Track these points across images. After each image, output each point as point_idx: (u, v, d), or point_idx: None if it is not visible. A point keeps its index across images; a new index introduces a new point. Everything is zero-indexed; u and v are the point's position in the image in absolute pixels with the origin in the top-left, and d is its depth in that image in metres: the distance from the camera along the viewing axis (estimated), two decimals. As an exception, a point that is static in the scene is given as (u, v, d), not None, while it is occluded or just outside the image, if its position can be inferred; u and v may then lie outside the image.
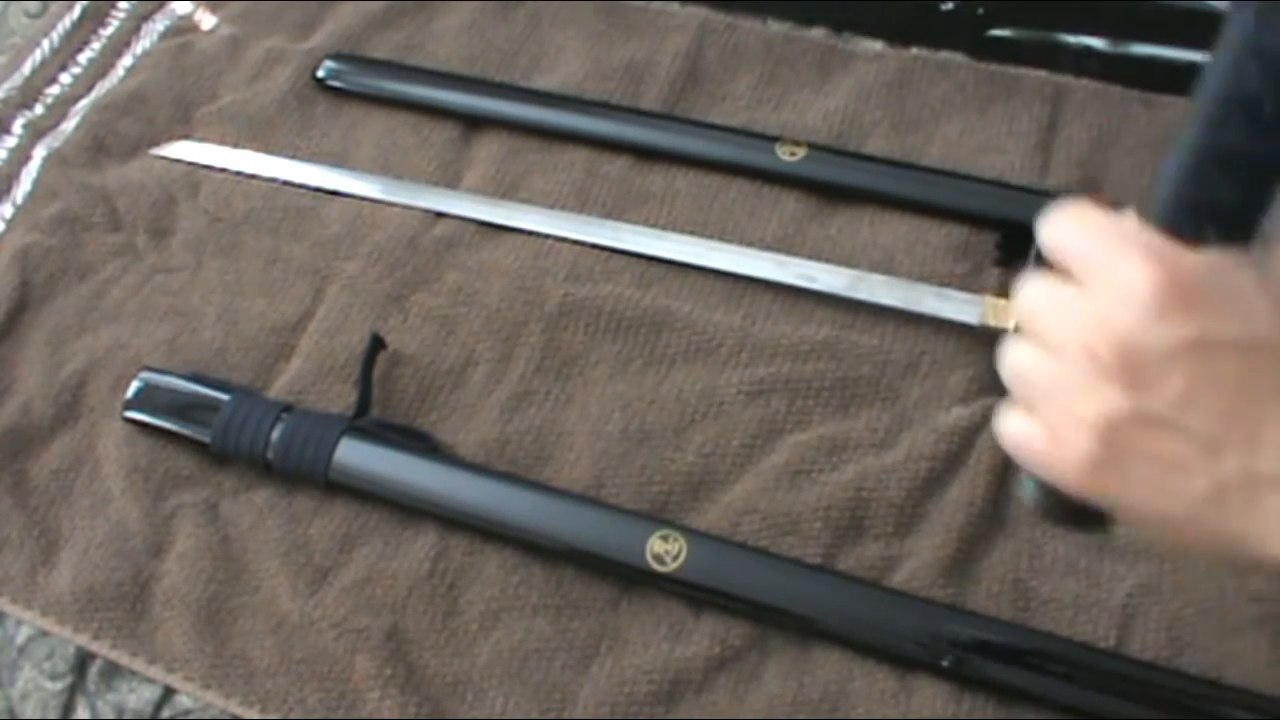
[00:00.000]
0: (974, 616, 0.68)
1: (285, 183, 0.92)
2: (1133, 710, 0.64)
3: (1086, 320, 0.42)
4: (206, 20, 1.04)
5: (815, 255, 0.83)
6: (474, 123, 0.94)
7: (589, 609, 0.71)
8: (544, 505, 0.72)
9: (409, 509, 0.74)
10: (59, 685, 0.74)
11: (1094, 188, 0.85)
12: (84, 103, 0.99)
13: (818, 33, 0.98)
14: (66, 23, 1.03)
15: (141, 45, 1.03)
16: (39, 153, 0.95)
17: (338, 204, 0.90)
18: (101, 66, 1.02)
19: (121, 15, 1.05)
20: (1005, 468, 0.73)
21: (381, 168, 0.92)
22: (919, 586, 0.69)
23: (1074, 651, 0.66)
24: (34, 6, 1.08)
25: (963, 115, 0.90)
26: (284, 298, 0.85)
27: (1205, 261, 0.41)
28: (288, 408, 0.77)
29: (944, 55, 0.94)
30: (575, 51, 0.98)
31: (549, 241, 0.86)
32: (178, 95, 0.98)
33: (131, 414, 0.79)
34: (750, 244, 0.85)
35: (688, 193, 0.88)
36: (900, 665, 0.67)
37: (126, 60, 1.02)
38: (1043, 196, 0.83)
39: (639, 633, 0.70)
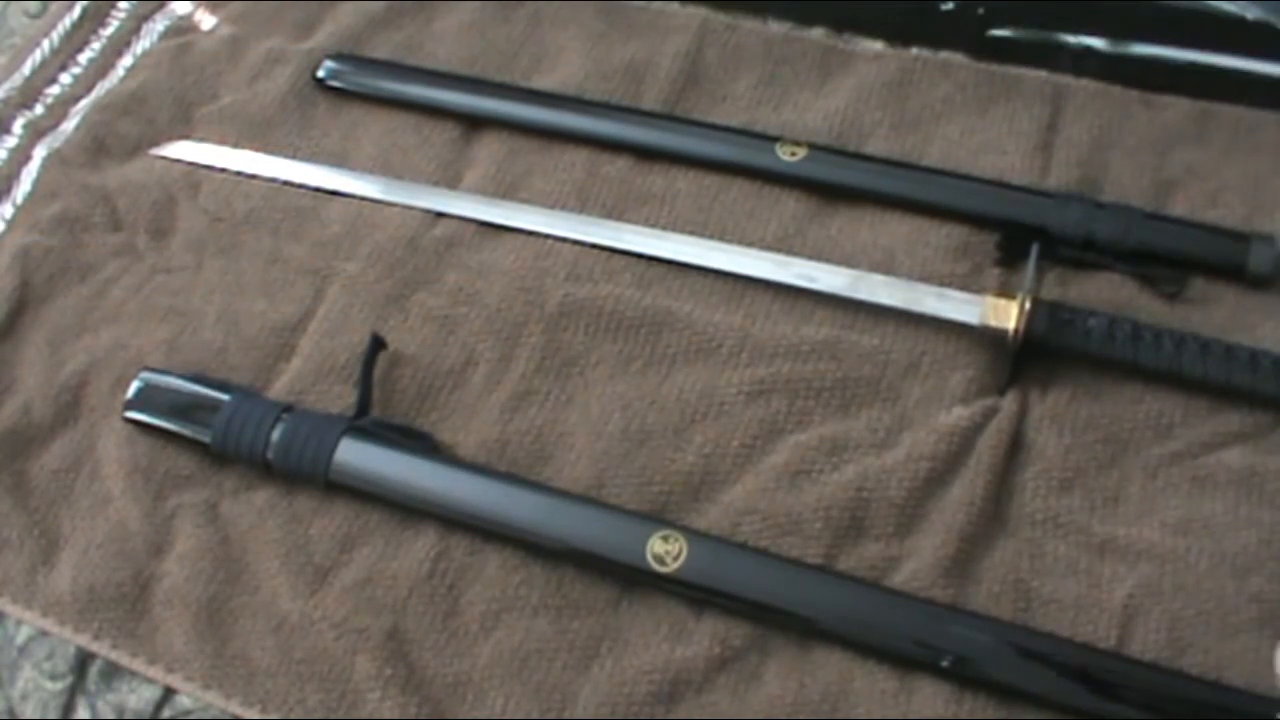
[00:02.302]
0: (974, 616, 0.68)
1: (285, 183, 0.91)
2: (1133, 711, 0.65)
3: None
4: (206, 20, 1.04)
5: (815, 255, 0.83)
6: (474, 123, 0.94)
7: (589, 609, 0.71)
8: (544, 505, 0.72)
9: (409, 509, 0.74)
10: (59, 685, 0.74)
11: (1094, 188, 0.85)
12: (84, 103, 0.99)
13: (818, 33, 0.98)
14: (66, 23, 1.03)
15: (141, 45, 1.03)
16: (39, 153, 0.95)
17: (338, 204, 0.90)
18: (101, 66, 1.02)
19: (121, 15, 1.05)
20: (1005, 467, 0.73)
21: (381, 168, 0.92)
22: (919, 586, 0.69)
23: (1074, 651, 0.66)
24: (34, 6, 1.08)
25: (963, 115, 0.90)
26: (284, 298, 0.85)
27: None
28: (288, 408, 0.77)
29: (944, 55, 0.94)
30: (575, 51, 0.98)
31: (549, 241, 0.86)
32: (178, 95, 0.98)
33: (131, 414, 0.79)
34: (750, 244, 0.85)
35: (688, 193, 0.88)
36: (900, 665, 0.67)
37: (126, 60, 1.02)
38: (1043, 196, 0.84)
39: (639, 633, 0.70)
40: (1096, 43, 0.94)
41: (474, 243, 0.87)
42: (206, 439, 0.76)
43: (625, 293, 0.82)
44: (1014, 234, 0.82)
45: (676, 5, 1.00)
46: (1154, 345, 0.75)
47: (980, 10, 0.96)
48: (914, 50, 0.95)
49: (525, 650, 0.70)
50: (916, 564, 0.70)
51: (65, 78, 1.01)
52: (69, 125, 0.97)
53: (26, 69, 1.01)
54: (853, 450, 0.75)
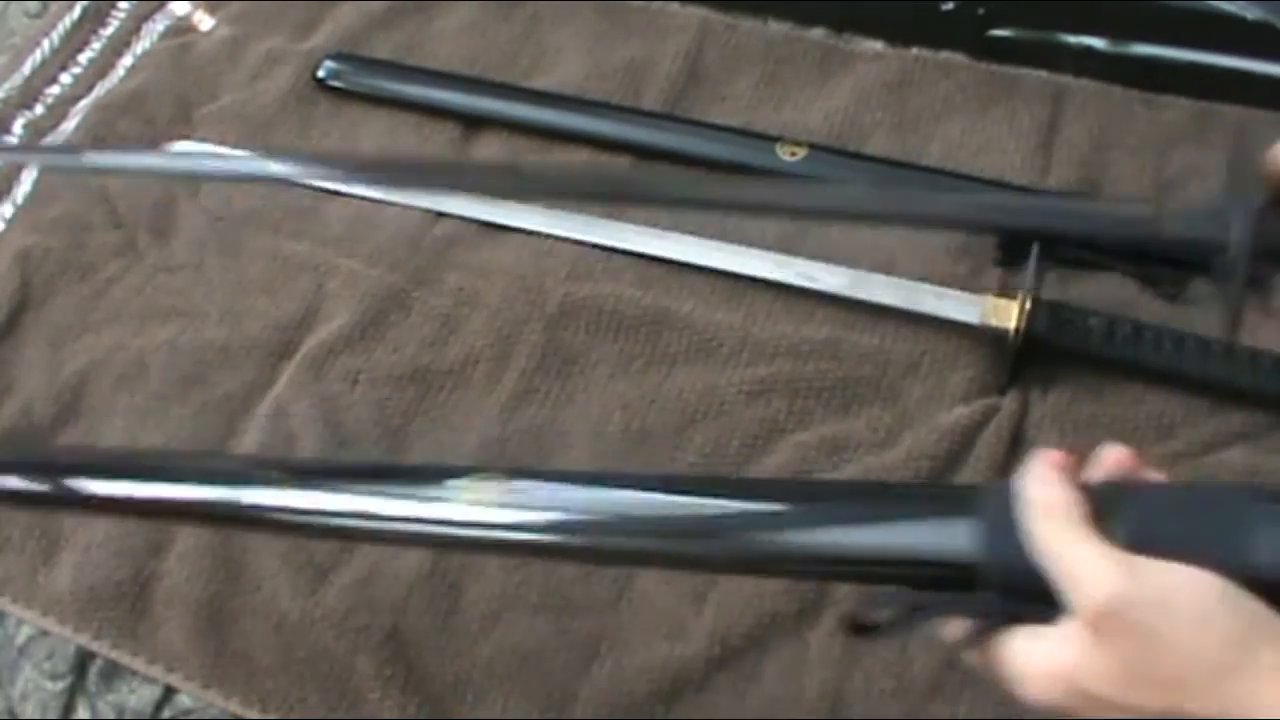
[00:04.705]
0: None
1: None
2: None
3: None
4: (206, 21, 1.04)
5: (815, 255, 0.83)
6: (474, 123, 0.94)
7: (589, 609, 0.71)
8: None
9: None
10: (59, 685, 0.74)
11: (1094, 188, 0.85)
12: (84, 103, 0.99)
13: (818, 33, 0.98)
14: (66, 23, 1.03)
15: (141, 45, 1.03)
16: (39, 153, 0.95)
17: (338, 203, 0.90)
18: (101, 66, 1.02)
19: (121, 15, 1.05)
20: (1006, 466, 0.73)
21: (382, 168, 0.92)
22: (919, 586, 0.69)
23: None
24: (34, 6, 1.08)
25: (963, 115, 0.90)
26: (286, 296, 0.85)
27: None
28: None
29: (944, 55, 0.94)
30: (575, 51, 0.98)
31: (549, 241, 0.86)
32: (178, 95, 0.98)
33: None
34: (750, 243, 0.85)
35: (688, 192, 0.88)
36: (898, 665, 0.67)
37: (126, 60, 1.02)
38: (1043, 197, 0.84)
39: (639, 632, 0.70)
40: (1096, 43, 0.94)
41: (474, 242, 0.87)
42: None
43: (625, 292, 0.82)
44: (1014, 234, 0.82)
45: (676, 5, 1.00)
46: (1154, 345, 0.75)
47: (980, 10, 0.96)
48: (914, 50, 0.95)
49: (525, 650, 0.70)
50: (916, 563, 0.70)
51: (65, 78, 1.01)
52: (69, 125, 0.97)
53: (26, 69, 1.01)
54: (853, 450, 0.75)
